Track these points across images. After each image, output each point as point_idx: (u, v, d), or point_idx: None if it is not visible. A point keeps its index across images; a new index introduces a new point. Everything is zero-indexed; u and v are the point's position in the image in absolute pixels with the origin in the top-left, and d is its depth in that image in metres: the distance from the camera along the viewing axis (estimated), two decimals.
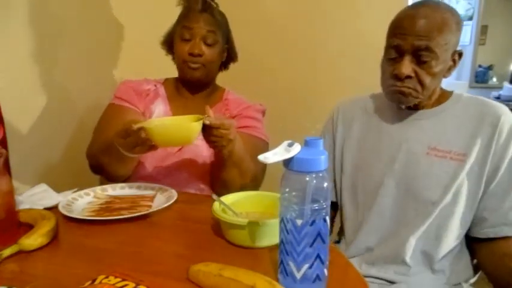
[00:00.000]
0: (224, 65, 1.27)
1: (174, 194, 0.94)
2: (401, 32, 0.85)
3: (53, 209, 0.87)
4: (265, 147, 1.17)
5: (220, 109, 1.21)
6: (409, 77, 0.86)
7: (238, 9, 1.69)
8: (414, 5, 0.89)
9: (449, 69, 0.90)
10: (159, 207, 0.87)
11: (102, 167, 1.05)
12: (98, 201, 0.95)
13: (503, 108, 0.88)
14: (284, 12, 1.69)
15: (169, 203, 0.89)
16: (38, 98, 1.21)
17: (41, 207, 0.87)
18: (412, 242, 0.90)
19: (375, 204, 0.95)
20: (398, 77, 0.87)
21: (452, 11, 0.86)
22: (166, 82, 1.27)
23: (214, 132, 0.89)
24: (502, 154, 0.85)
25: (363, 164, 1.00)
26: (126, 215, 0.84)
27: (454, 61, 0.90)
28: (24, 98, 1.16)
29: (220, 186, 1.06)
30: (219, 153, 0.96)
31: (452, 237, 0.90)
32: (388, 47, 0.89)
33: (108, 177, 1.09)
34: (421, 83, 0.86)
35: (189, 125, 0.88)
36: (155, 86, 1.23)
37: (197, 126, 0.87)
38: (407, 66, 0.85)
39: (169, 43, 1.22)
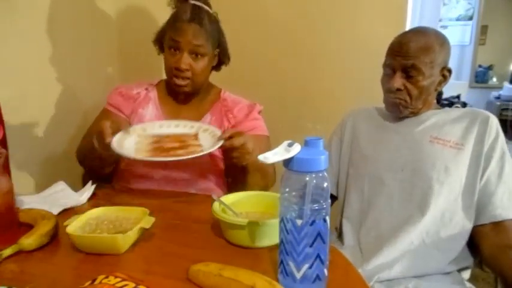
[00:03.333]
0: (215, 68, 1.24)
1: (217, 131, 0.97)
2: (393, 53, 1.03)
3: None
4: (269, 142, 1.21)
5: (220, 109, 1.20)
6: (399, 89, 1.02)
7: (239, 9, 1.70)
8: (406, 31, 1.08)
9: (440, 83, 1.05)
10: (212, 149, 0.90)
11: (86, 165, 1.10)
12: (144, 140, 0.96)
13: (489, 113, 1.03)
14: (285, 12, 1.69)
15: (220, 144, 0.91)
16: (38, 98, 1.21)
17: (61, 208, 0.88)
18: (420, 223, 0.96)
19: (383, 189, 1.03)
20: (391, 90, 1.03)
21: (436, 34, 1.03)
22: (160, 84, 1.25)
23: (235, 152, 0.92)
24: (493, 146, 0.98)
25: (370, 155, 1.10)
26: (184, 155, 0.88)
27: (444, 76, 1.05)
28: (25, 97, 1.16)
29: (242, 189, 1.07)
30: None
31: (458, 222, 0.97)
32: (384, 65, 1.07)
33: (96, 176, 1.12)
34: (409, 94, 1.02)
35: (113, 238, 0.69)
36: (146, 89, 1.22)
37: (123, 239, 0.69)
38: (397, 81, 1.02)
39: (161, 42, 1.20)
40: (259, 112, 1.24)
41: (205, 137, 0.99)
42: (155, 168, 1.11)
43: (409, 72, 1.00)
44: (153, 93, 1.22)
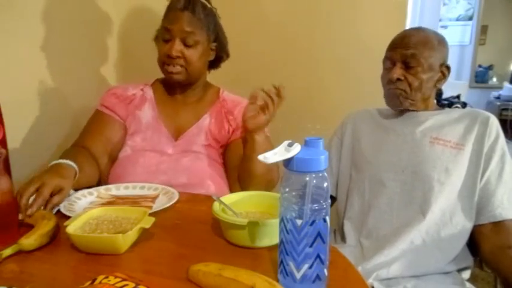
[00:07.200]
0: (214, 64, 1.22)
1: (176, 195, 0.94)
2: (393, 46, 1.07)
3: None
4: (272, 142, 1.18)
5: (220, 110, 1.19)
6: (399, 79, 1.04)
7: (240, 10, 1.70)
8: (404, 30, 1.13)
9: (439, 80, 1.07)
10: (158, 209, 0.86)
11: None
12: (100, 200, 0.95)
13: (489, 113, 1.04)
14: (285, 13, 1.69)
15: (169, 204, 0.89)
16: (36, 98, 1.21)
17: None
18: (421, 224, 0.97)
19: (384, 191, 1.04)
20: (391, 81, 1.05)
21: (435, 33, 1.07)
22: (155, 83, 1.23)
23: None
24: (493, 146, 0.99)
25: (371, 156, 1.11)
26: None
27: (443, 73, 1.07)
28: (24, 98, 1.16)
29: (248, 183, 1.07)
30: (254, 134, 1.00)
31: (459, 221, 0.97)
32: (385, 59, 1.10)
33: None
34: (410, 85, 1.04)
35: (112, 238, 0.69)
36: (142, 90, 1.20)
37: (122, 238, 0.68)
38: (397, 71, 1.04)
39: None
40: None
41: (162, 199, 0.95)
42: None
43: (409, 63, 1.02)
44: (149, 93, 1.20)
